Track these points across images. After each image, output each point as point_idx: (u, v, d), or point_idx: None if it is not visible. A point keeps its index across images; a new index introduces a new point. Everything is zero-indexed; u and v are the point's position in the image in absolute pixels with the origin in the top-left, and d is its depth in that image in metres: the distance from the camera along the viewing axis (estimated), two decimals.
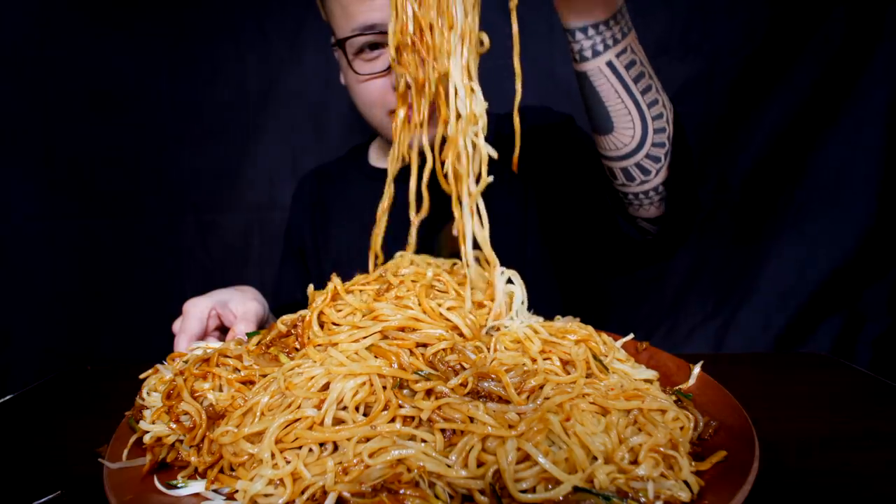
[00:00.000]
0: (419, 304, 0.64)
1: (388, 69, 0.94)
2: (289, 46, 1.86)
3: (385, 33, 0.80)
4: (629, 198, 0.85)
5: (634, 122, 0.76)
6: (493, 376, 0.55)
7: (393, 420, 0.51)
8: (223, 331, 0.87)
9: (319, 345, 0.61)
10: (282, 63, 1.88)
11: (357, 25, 0.93)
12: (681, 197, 0.86)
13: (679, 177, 0.84)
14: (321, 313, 0.66)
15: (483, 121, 0.68)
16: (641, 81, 0.74)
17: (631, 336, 0.75)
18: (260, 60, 1.88)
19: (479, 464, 0.46)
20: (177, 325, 0.82)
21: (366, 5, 0.92)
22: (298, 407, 0.53)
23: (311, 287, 0.73)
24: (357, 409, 0.53)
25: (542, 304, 0.77)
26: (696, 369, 0.66)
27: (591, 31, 0.72)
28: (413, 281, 0.69)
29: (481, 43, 0.70)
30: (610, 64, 0.72)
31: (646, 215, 0.88)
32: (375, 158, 1.27)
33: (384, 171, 1.08)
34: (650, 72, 0.76)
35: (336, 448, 0.50)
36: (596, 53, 0.72)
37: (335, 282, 0.69)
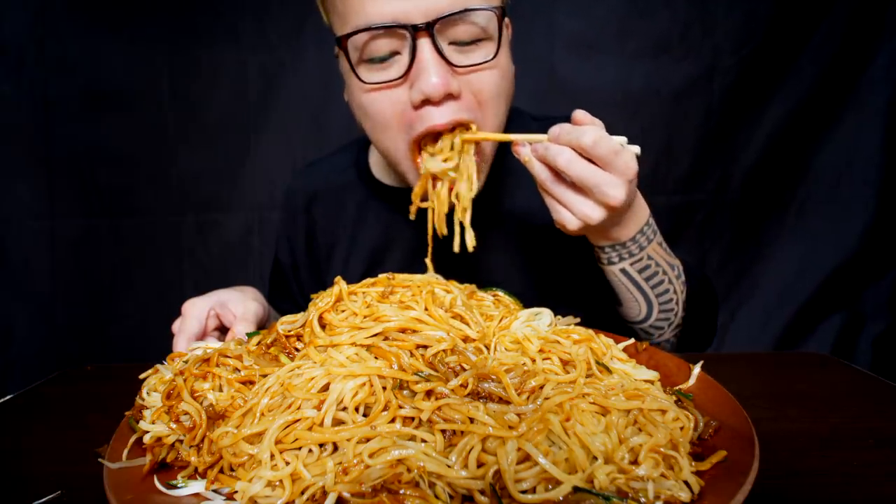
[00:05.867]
0: (425, 310, 0.64)
1: (404, 76, 0.78)
2: (289, 46, 1.86)
3: (402, 28, 0.74)
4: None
5: (640, 306, 0.89)
6: (493, 377, 0.55)
7: (393, 421, 0.51)
8: (223, 331, 0.87)
9: (320, 345, 0.61)
10: (282, 63, 1.88)
11: (363, 21, 0.75)
12: (695, 330, 0.96)
13: (694, 317, 0.94)
14: (323, 314, 0.66)
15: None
16: (653, 279, 0.86)
17: (631, 340, 0.75)
18: (260, 60, 1.88)
19: (480, 464, 0.46)
20: (176, 326, 0.82)
21: None
22: (298, 408, 0.53)
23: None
24: (357, 409, 0.53)
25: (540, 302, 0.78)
26: (696, 369, 0.66)
27: (607, 249, 0.84)
28: (419, 286, 0.69)
29: None
30: (623, 270, 0.85)
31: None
32: (380, 170, 1.09)
33: (392, 190, 1.05)
34: (665, 268, 0.87)
35: (336, 449, 0.50)
36: (611, 263, 0.85)
37: (340, 285, 0.69)
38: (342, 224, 1.11)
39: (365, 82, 0.80)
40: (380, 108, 0.82)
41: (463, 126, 0.82)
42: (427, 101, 0.78)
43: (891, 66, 1.79)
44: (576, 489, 0.44)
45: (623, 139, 0.73)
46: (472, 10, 0.76)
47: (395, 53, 0.78)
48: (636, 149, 0.73)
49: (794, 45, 1.79)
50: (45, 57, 1.85)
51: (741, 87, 1.82)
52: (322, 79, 1.82)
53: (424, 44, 0.76)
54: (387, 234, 1.08)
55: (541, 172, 0.75)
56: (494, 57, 0.80)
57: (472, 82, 0.80)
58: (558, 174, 0.74)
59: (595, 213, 0.73)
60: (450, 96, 0.79)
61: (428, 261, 0.88)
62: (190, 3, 1.84)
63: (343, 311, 0.65)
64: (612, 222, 0.77)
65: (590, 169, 0.70)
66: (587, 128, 0.71)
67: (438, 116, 0.79)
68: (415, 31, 0.75)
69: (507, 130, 0.93)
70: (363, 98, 0.82)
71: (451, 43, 0.78)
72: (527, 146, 0.78)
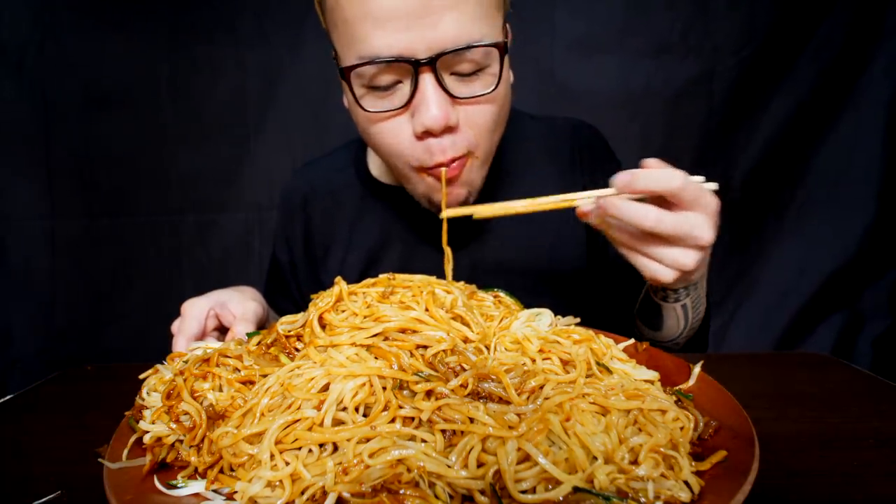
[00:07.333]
0: (425, 310, 0.64)
1: (406, 105, 0.78)
2: (289, 46, 1.86)
3: (404, 62, 0.74)
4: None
5: (680, 328, 0.88)
6: (493, 377, 0.55)
7: (393, 421, 0.51)
8: (223, 331, 0.87)
9: (320, 346, 0.61)
10: (282, 63, 1.88)
11: (367, 52, 0.75)
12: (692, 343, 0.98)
13: (696, 334, 0.95)
14: (323, 314, 0.66)
15: None
16: (699, 306, 0.87)
17: (631, 340, 0.75)
18: (260, 60, 1.88)
19: (480, 464, 0.46)
20: (176, 326, 0.82)
21: (378, 26, 0.73)
22: (298, 408, 0.53)
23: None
24: (357, 409, 0.53)
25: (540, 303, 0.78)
26: (696, 369, 0.66)
27: (680, 291, 0.82)
28: (419, 287, 0.69)
29: None
30: (684, 306, 0.84)
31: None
32: (377, 168, 1.10)
33: (390, 189, 1.04)
34: (705, 290, 0.86)
35: (336, 449, 0.50)
36: (677, 301, 0.84)
37: (340, 285, 0.69)
38: (339, 223, 1.11)
39: (368, 111, 0.80)
40: (383, 138, 0.84)
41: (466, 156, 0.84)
42: (428, 133, 0.80)
43: (891, 66, 1.79)
44: (576, 489, 0.44)
45: (700, 179, 0.69)
46: (475, 46, 0.76)
47: (398, 82, 0.79)
48: (714, 185, 0.69)
49: (795, 45, 1.79)
50: (45, 57, 1.85)
51: (741, 87, 1.82)
52: (322, 76, 1.81)
53: (427, 77, 0.76)
54: (384, 233, 1.08)
55: (621, 235, 0.70)
56: (494, 90, 0.80)
57: (470, 115, 0.81)
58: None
59: (689, 259, 0.69)
60: (449, 128, 0.80)
61: (444, 244, 0.85)
62: (189, 3, 1.84)
63: (343, 311, 0.65)
64: (703, 263, 0.72)
65: (678, 218, 0.66)
66: (670, 171, 0.67)
67: (440, 153, 0.81)
68: (418, 65, 0.75)
69: (505, 133, 0.93)
70: (367, 127, 0.84)
71: (452, 73, 0.79)
72: (590, 207, 0.71)
